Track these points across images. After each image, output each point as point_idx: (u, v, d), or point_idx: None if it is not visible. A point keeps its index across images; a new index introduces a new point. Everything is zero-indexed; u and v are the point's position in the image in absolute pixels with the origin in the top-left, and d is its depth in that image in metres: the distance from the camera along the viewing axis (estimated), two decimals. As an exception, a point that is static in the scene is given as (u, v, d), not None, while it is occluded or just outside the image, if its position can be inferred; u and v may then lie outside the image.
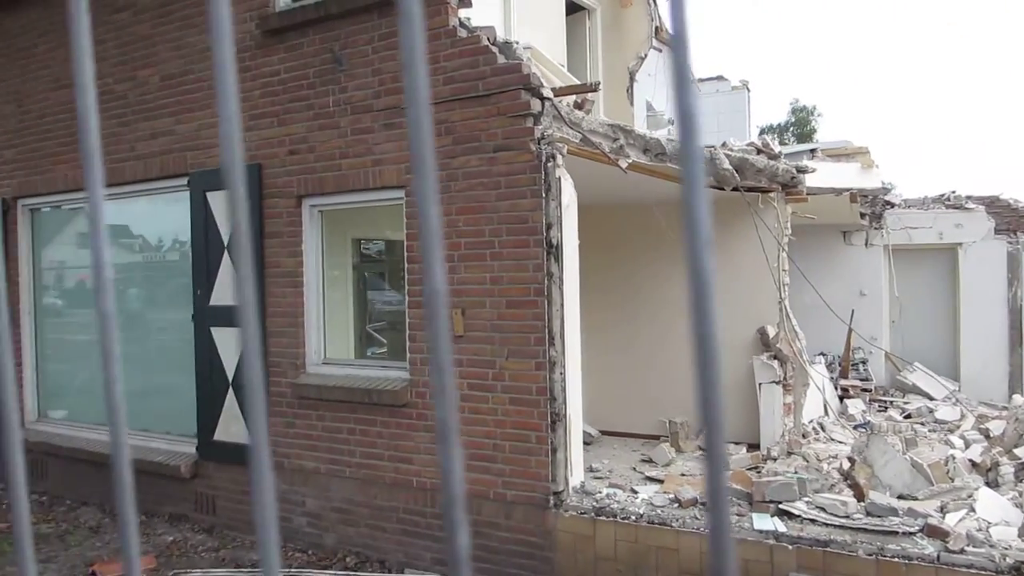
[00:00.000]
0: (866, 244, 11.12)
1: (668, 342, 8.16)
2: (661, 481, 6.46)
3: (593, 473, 6.69)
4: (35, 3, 7.80)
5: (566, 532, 5.29)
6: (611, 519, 5.22)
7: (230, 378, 6.42)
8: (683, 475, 6.77)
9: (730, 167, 7.19)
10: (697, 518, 5.15)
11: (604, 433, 8.32)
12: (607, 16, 10.30)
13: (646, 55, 10.41)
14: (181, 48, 6.85)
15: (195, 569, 5.81)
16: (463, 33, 5.61)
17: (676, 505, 5.37)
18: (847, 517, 5.02)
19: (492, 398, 5.40)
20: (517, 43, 5.76)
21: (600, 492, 5.60)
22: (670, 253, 8.04)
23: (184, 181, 6.80)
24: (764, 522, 5.01)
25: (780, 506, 5.21)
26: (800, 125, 32.43)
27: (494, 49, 5.51)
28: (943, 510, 5.33)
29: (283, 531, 6.28)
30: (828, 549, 4.73)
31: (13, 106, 8.04)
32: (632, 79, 10.16)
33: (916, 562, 4.55)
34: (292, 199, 6.24)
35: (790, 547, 4.80)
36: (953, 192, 11.30)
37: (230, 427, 6.42)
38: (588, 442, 7.54)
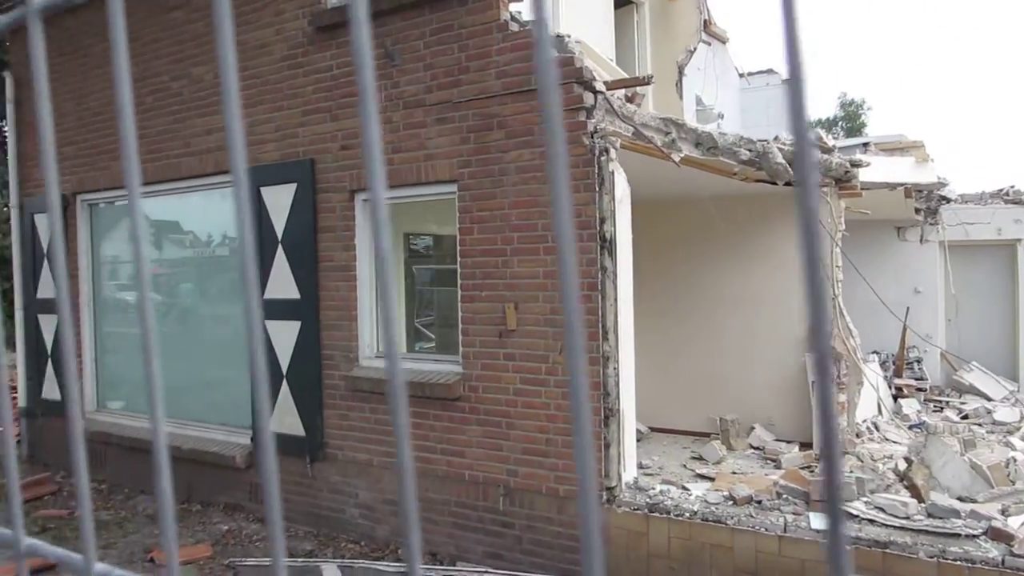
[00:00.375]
0: (921, 240, 10.88)
1: (719, 338, 8.08)
2: (712, 479, 6.39)
3: (643, 470, 6.64)
4: (92, 3, 7.95)
5: (619, 528, 5.26)
6: (664, 516, 5.19)
7: (284, 371, 6.50)
8: (734, 473, 6.70)
9: (783, 161, 7.07)
10: (752, 516, 5.09)
11: (653, 430, 8.26)
12: (655, 9, 10.22)
13: (695, 49, 10.31)
14: (236, 45, 6.93)
15: (249, 558, 5.90)
16: (515, 27, 5.60)
17: (731, 503, 5.31)
18: (907, 518, 4.92)
19: (545, 392, 5.39)
20: (569, 37, 5.74)
21: (653, 488, 5.56)
22: (723, 248, 7.96)
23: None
24: (821, 521, 4.93)
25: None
26: (849, 119, 31.85)
27: (547, 43, 5.48)
28: (1004, 513, 5.19)
29: (336, 522, 6.35)
30: (888, 550, 4.64)
31: (73, 104, 8.23)
32: (681, 73, 10.06)
33: (979, 566, 4.44)
34: (345, 193, 6.29)
35: (847, 547, 4.71)
36: (1012, 187, 11.00)
37: (284, 419, 6.49)
38: (638, 439, 7.48)
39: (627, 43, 9.82)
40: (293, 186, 6.45)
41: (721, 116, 10.63)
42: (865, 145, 10.63)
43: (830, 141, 8.13)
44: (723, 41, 11.45)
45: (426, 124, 5.89)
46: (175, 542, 0.65)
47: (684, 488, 5.95)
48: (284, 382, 6.51)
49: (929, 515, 4.98)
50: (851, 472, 5.86)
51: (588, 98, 5.32)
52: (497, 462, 5.60)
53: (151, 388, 0.59)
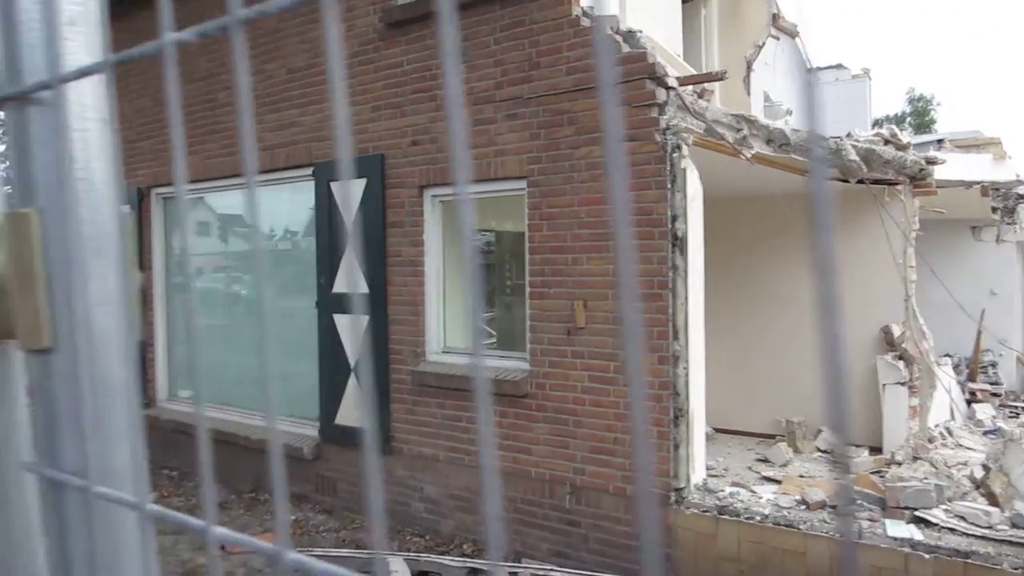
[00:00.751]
0: (997, 240, 10.53)
1: (787, 338, 7.93)
2: (778, 482, 6.28)
3: (708, 471, 6.56)
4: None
5: (687, 529, 5.20)
6: (734, 518, 5.11)
7: (352, 364, 6.58)
8: (802, 476, 6.57)
9: (857, 158, 6.92)
10: (826, 521, 4.98)
11: (717, 430, 8.15)
12: (723, 4, 10.06)
13: (764, 43, 10.13)
14: (306, 42, 7.04)
15: (316, 548, 5.99)
16: (586, 23, 5.56)
17: (803, 507, 5.21)
18: (990, 528, 4.77)
19: (613, 391, 5.35)
20: (640, 32, 5.68)
21: (723, 491, 5.49)
22: (791, 246, 7.81)
23: (308, 171, 6.99)
24: (899, 529, 4.80)
25: (916, 513, 4.99)
26: (918, 115, 31.04)
27: (618, 38, 5.45)
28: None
29: (401, 516, 6.40)
30: (969, 560, 4.49)
31: (149, 100, 8.44)
32: (749, 68, 9.89)
33: (1068, 579, 4.28)
34: (414, 189, 6.33)
35: (927, 556, 4.58)
36: (1095, 186, 10.58)
37: (351, 412, 6.58)
38: (702, 439, 7.41)
39: (694, 38, 9.68)
40: (363, 181, 6.51)
41: (789, 112, 10.42)
42: (939, 142, 10.33)
43: (904, 138, 7.91)
44: (792, 35, 11.22)
45: (496, 120, 5.88)
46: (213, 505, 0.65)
47: (751, 491, 5.87)
48: (351, 375, 6.59)
49: (1013, 525, 4.82)
50: (925, 478, 5.70)
51: (660, 94, 5.26)
52: (564, 460, 5.59)
53: (193, 366, 0.58)
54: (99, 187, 0.50)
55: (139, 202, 8.54)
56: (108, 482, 0.48)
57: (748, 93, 9.83)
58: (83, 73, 0.45)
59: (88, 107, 0.50)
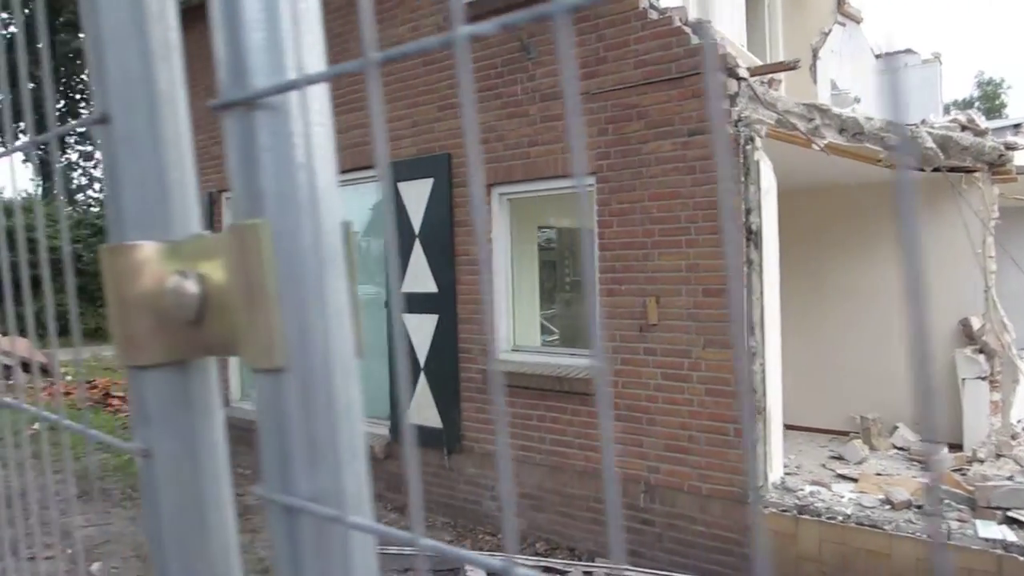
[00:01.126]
0: (1080, 228, 10.11)
1: (860, 332, 7.72)
2: (855, 480, 6.12)
3: (783, 469, 6.43)
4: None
5: (766, 529, 5.09)
6: (815, 518, 4.99)
7: (422, 363, 6.60)
8: (879, 474, 6.39)
9: (933, 146, 6.70)
10: (912, 521, 4.83)
11: (788, 427, 7.97)
12: (786, -9, 9.85)
13: (830, 31, 9.89)
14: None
15: (390, 547, 6.02)
16: (654, 15, 5.48)
17: (888, 507, 5.06)
18: (1088, 529, 4.57)
19: (688, 388, 5.26)
20: (710, 22, 5.58)
21: (802, 489, 5.36)
22: (864, 237, 7.61)
23: (374, 173, 7.03)
24: (990, 530, 4.63)
25: (1008, 513, 4.80)
26: (987, 99, 30.05)
27: (687, 29, 5.35)
28: None
29: (473, 515, 6.41)
30: (1067, 562, 4.31)
31: (216, 105, 8.59)
32: (815, 56, 9.66)
33: None
34: (481, 188, 6.31)
35: (1021, 558, 4.41)
36: None
37: (422, 411, 6.60)
38: (775, 436, 7.26)
39: (758, 27, 9.50)
40: (430, 181, 6.53)
41: (857, 100, 10.14)
42: (1017, 126, 9.95)
43: (983, 123, 7.65)
44: (858, 21, 10.93)
45: (563, 116, 5.83)
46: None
47: (832, 490, 5.72)
48: (422, 374, 6.61)
49: (1113, 527, 4.61)
50: (1011, 476, 5.49)
51: (732, 85, 5.16)
52: (637, 458, 5.52)
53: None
54: (325, 195, 0.48)
55: (211, 207, 8.70)
56: (341, 509, 0.46)
57: (815, 81, 9.60)
58: (335, 74, 0.43)
59: (314, 111, 0.47)
